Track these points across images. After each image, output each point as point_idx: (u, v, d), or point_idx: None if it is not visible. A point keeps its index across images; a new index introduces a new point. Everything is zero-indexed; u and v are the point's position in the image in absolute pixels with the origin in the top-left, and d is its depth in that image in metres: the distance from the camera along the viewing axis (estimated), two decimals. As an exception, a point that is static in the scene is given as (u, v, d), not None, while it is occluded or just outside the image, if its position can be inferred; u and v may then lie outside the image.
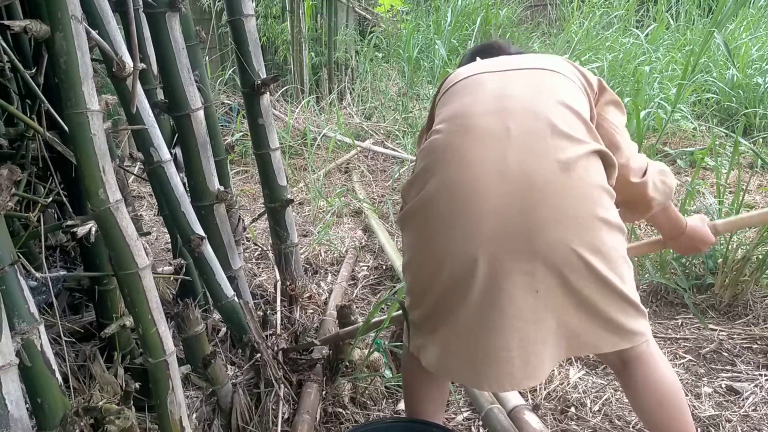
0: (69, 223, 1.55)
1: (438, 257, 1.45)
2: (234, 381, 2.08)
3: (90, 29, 1.46)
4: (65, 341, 2.10)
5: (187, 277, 2.15)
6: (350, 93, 6.35)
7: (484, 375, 1.46)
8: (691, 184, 2.97)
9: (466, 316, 1.44)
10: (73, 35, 1.29)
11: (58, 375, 1.37)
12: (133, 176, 4.04)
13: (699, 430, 2.03)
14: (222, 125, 5.50)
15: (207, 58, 5.92)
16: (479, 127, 1.47)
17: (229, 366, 2.21)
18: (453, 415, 2.18)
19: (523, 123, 1.44)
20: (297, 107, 5.75)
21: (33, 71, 1.74)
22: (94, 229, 1.53)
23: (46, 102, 1.63)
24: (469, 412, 2.18)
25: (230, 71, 6.22)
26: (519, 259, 1.37)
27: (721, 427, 2.04)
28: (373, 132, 5.32)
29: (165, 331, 1.46)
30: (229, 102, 5.96)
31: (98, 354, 1.79)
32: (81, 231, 1.54)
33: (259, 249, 3.43)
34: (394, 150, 4.92)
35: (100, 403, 1.57)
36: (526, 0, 8.55)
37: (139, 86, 1.75)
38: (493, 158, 1.41)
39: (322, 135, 4.99)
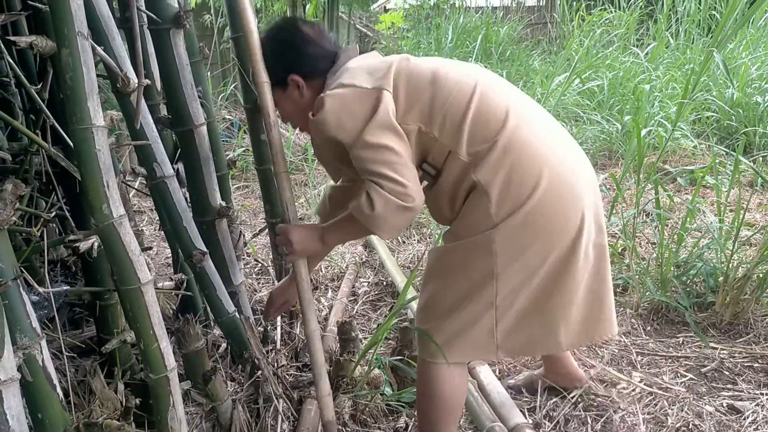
0: (71, 237, 1.56)
1: (566, 236, 1.67)
2: (234, 397, 2.07)
3: (95, 45, 1.47)
4: (66, 356, 2.10)
5: (188, 293, 2.15)
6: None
7: (607, 321, 1.82)
8: (691, 202, 2.97)
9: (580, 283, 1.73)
10: (79, 51, 1.30)
11: (59, 390, 1.37)
12: (134, 191, 4.05)
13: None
14: (223, 140, 5.51)
15: (209, 73, 5.95)
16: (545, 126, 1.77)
17: (229, 382, 2.20)
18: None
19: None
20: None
21: (38, 87, 1.75)
22: (96, 244, 1.54)
23: (51, 117, 1.64)
24: (469, 431, 2.17)
25: (231, 87, 6.25)
26: (599, 235, 1.75)
27: (722, 447, 2.03)
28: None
29: (166, 347, 1.46)
30: (230, 117, 5.99)
31: (98, 369, 1.79)
32: (83, 246, 1.55)
33: (260, 264, 3.44)
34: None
35: (101, 419, 1.58)
36: (527, 18, 8.61)
37: (143, 102, 1.76)
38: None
39: (323, 151, 5.00)
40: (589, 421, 2.18)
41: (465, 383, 1.90)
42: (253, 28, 1.76)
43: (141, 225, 4.13)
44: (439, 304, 1.78)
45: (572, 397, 2.27)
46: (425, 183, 1.74)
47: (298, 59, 1.74)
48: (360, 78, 1.67)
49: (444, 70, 1.71)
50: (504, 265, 1.67)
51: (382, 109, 1.61)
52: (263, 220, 2.70)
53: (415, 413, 2.09)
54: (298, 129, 1.89)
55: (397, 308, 2.25)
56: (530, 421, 2.15)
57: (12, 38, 1.44)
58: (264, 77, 1.74)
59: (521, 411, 2.16)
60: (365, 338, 2.80)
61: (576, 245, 1.68)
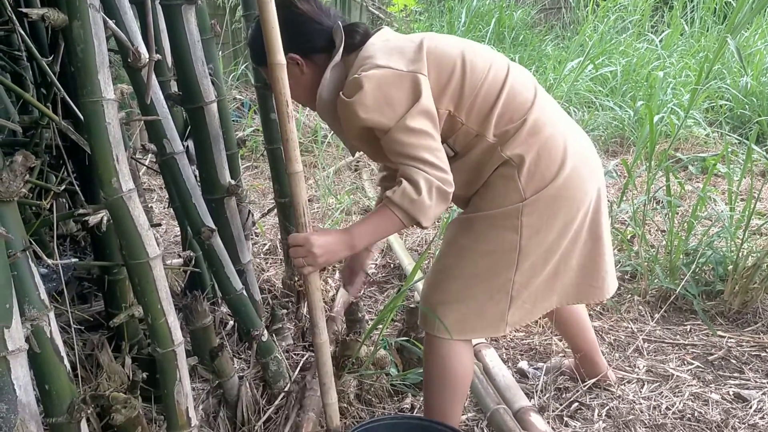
0: (81, 211, 1.57)
1: (579, 217, 1.75)
2: (240, 374, 2.09)
3: (107, 18, 1.47)
4: (74, 330, 2.11)
5: (196, 269, 2.15)
6: (362, 91, 6.33)
7: (612, 283, 1.92)
8: (702, 190, 2.95)
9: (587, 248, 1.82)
10: (90, 24, 1.29)
11: (66, 362, 1.37)
12: (144, 169, 4.06)
13: (705, 436, 2.03)
14: (234, 120, 5.50)
15: (220, 53, 5.92)
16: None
17: (235, 359, 2.22)
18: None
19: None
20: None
21: (49, 59, 1.75)
22: (105, 218, 1.54)
23: (62, 90, 1.64)
24: (473, 413, 2.17)
25: (243, 67, 6.23)
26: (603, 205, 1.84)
27: (727, 435, 2.03)
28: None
29: (174, 322, 1.46)
30: (240, 97, 5.97)
31: (106, 343, 1.80)
32: (93, 220, 1.55)
33: (268, 244, 3.44)
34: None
35: (108, 392, 1.58)
36: (541, 2, 8.53)
37: (153, 77, 1.75)
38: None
39: (333, 133, 4.99)
40: (595, 407, 2.18)
41: (472, 359, 1.92)
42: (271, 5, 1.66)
43: (150, 203, 4.14)
44: (455, 279, 1.79)
45: (584, 386, 2.26)
46: None
47: (295, 37, 1.67)
48: (394, 59, 1.63)
49: (470, 54, 1.70)
50: (527, 240, 1.71)
51: (425, 95, 1.59)
52: (272, 200, 2.70)
53: (422, 393, 2.10)
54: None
55: (404, 288, 2.25)
56: (535, 404, 2.15)
57: (24, 10, 1.44)
58: (280, 58, 1.55)
59: (526, 394, 2.17)
60: (371, 320, 2.81)
61: (586, 218, 1.77)
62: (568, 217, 1.73)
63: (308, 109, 5.55)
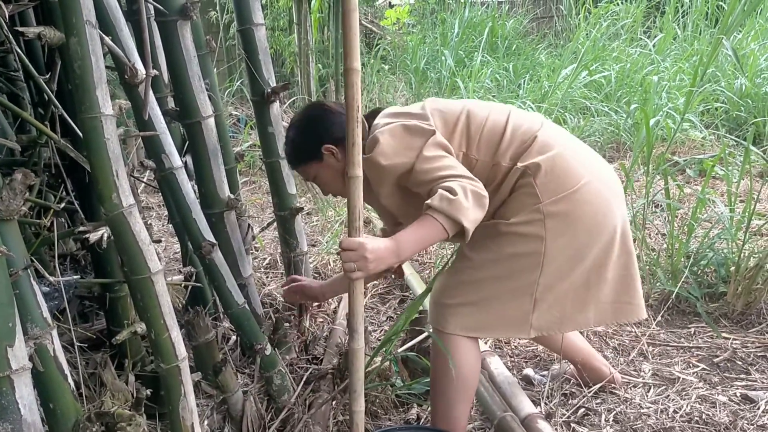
0: (81, 229, 1.56)
1: (607, 228, 1.79)
2: (245, 389, 2.07)
3: (104, 35, 1.47)
4: (77, 347, 2.10)
5: (197, 284, 2.14)
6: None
7: (637, 306, 1.94)
8: (701, 192, 2.95)
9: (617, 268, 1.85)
10: (87, 40, 1.30)
11: (70, 380, 1.36)
12: (143, 185, 4.06)
13: (714, 438, 2.02)
14: (230, 136, 5.50)
15: (215, 69, 5.94)
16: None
17: (239, 374, 2.20)
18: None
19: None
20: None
21: (46, 77, 1.74)
22: (106, 235, 1.53)
23: (59, 107, 1.64)
24: (480, 421, 2.16)
25: (238, 83, 6.24)
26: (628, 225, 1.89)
27: (736, 436, 2.02)
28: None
29: (177, 337, 1.46)
30: (237, 113, 5.98)
31: (109, 361, 1.79)
32: (93, 237, 1.54)
33: (268, 258, 3.43)
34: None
35: (112, 409, 1.57)
36: (533, 11, 8.58)
37: (150, 93, 1.76)
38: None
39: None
40: (602, 412, 2.17)
41: (479, 358, 1.94)
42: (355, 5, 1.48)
43: (149, 220, 4.14)
44: (476, 281, 1.83)
45: (590, 391, 2.25)
46: None
47: (328, 128, 1.86)
48: (403, 118, 1.80)
49: (471, 104, 1.88)
50: (552, 243, 1.76)
51: (437, 133, 1.74)
52: (271, 215, 2.70)
53: (428, 403, 2.09)
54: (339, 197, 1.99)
55: (416, 304, 2.22)
56: (542, 412, 2.14)
57: (20, 29, 1.44)
58: (356, 64, 1.48)
59: (533, 402, 2.15)
60: (374, 330, 2.80)
61: (616, 231, 1.82)
62: (593, 225, 1.78)
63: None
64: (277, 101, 2.46)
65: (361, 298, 1.63)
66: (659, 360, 2.48)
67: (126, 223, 1.36)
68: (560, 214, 1.75)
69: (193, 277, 2.20)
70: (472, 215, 1.62)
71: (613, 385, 2.27)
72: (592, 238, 1.78)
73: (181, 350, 1.47)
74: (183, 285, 2.33)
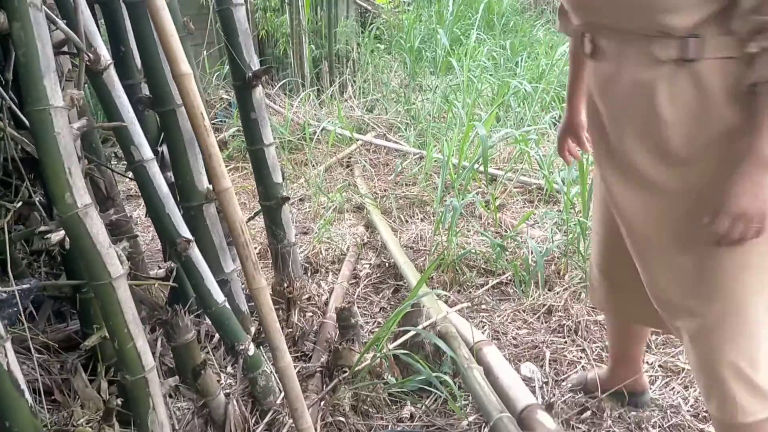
0: (42, 229, 1.44)
1: None
2: (228, 391, 1.97)
3: (55, 18, 1.35)
4: (51, 351, 2.00)
5: (173, 284, 2.03)
6: (351, 85, 6.21)
7: None
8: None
9: None
10: (32, 24, 1.18)
11: (27, 395, 1.26)
12: (130, 173, 3.93)
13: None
14: (220, 120, 5.39)
15: (205, 52, 5.80)
16: None
17: (222, 374, 2.11)
18: (456, 420, 2.06)
19: None
20: (297, 100, 5.61)
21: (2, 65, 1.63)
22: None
23: (8, 98, 1.51)
24: (475, 417, 2.06)
25: (228, 66, 6.10)
26: None
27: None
28: (375, 125, 5.19)
29: (143, 346, 1.35)
30: (227, 97, 5.83)
31: (80, 367, 1.69)
32: (55, 237, 1.43)
33: (258, 248, 3.32)
34: (396, 143, 4.79)
35: (80, 421, 1.47)
36: (530, -13, 8.41)
37: (116, 79, 1.64)
38: None
39: (321, 128, 4.86)
40: (606, 407, 2.07)
41: None
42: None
43: (137, 210, 4.02)
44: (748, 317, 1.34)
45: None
46: None
47: None
48: None
49: None
50: None
51: None
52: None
53: (422, 400, 1.98)
54: None
55: (408, 301, 2.11)
56: (541, 403, 2.04)
57: (-35, 14, 1.32)
58: (184, 68, 1.44)
59: (533, 393, 2.06)
60: (366, 323, 2.69)
61: None
62: None
63: (296, 105, 5.43)
64: (260, 86, 2.33)
65: (270, 312, 1.53)
66: (663, 349, 2.38)
67: (82, 225, 1.25)
68: None
69: (174, 273, 2.08)
70: None
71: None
72: None
73: (148, 360, 1.36)
74: (156, 285, 2.21)
